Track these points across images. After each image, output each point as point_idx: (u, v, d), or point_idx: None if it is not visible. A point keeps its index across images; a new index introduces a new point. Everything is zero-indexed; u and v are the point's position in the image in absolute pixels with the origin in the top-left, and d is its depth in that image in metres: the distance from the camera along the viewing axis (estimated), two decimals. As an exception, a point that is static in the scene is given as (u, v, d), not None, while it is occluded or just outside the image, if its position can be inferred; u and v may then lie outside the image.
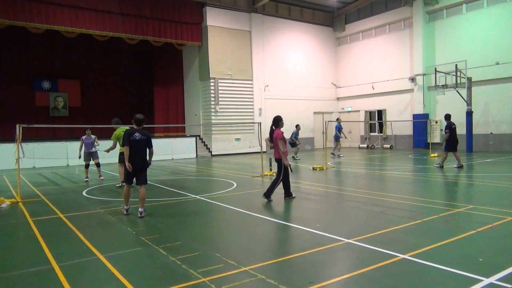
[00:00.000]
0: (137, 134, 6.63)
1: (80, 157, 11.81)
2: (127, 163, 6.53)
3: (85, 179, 11.76)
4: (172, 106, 23.76)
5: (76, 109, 23.88)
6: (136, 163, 6.62)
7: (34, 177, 13.48)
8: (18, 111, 21.32)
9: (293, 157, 17.30)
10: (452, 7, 20.85)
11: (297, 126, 18.03)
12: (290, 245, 5.18)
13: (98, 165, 12.03)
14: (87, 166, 11.91)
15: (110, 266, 4.25)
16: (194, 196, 8.68)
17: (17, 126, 8.75)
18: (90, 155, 11.88)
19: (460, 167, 12.51)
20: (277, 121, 8.04)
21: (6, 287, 3.88)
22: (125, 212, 6.79)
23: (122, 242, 5.33)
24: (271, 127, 8.08)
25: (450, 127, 12.76)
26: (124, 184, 10.22)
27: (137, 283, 3.80)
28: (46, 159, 16.95)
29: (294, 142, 17.66)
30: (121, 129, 9.70)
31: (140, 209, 6.63)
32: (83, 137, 11.85)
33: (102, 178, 12.06)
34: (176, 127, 23.50)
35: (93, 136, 11.92)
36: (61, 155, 17.60)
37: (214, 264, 4.24)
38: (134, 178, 6.84)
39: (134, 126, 6.76)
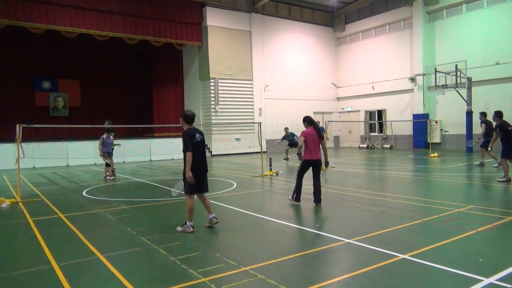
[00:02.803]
0: (198, 135, 5.64)
1: (101, 155, 12.05)
2: (190, 174, 5.49)
3: (110, 177, 11.98)
4: (172, 106, 23.76)
5: (76, 109, 23.91)
6: (203, 168, 5.78)
7: (34, 177, 13.48)
8: (18, 111, 21.35)
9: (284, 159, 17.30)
10: (452, 7, 20.84)
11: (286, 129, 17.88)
12: (290, 245, 5.18)
13: (107, 165, 12.20)
14: (108, 164, 12.11)
15: (110, 266, 4.25)
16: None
17: (17, 126, 8.74)
18: (108, 154, 12.10)
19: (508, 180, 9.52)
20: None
21: (6, 287, 3.88)
22: (191, 229, 5.65)
23: (122, 242, 5.32)
24: (316, 126, 7.58)
25: (507, 128, 9.74)
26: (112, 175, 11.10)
27: (137, 283, 3.80)
28: (46, 159, 16.94)
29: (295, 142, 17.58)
30: None
31: (212, 215, 5.88)
32: (104, 135, 12.09)
33: (112, 178, 12.16)
34: (176, 127, 23.48)
35: (111, 137, 12.26)
36: (61, 155, 17.60)
37: (214, 264, 4.24)
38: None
39: (186, 125, 5.70)
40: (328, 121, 16.56)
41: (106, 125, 12.85)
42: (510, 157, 9.68)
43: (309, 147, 7.34)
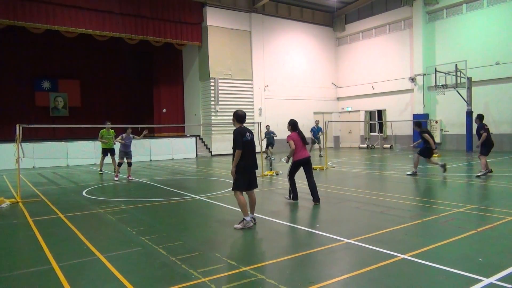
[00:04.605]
0: (248, 134, 5.78)
1: (114, 143, 12.30)
2: (234, 170, 5.67)
3: (115, 178, 11.97)
4: (172, 106, 23.77)
5: (76, 109, 23.90)
6: (253, 166, 5.89)
7: (34, 177, 13.48)
8: (18, 111, 21.34)
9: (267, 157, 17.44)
10: (452, 7, 20.85)
11: (267, 127, 18.20)
12: (290, 245, 5.17)
13: (129, 164, 12.15)
14: (120, 164, 12.10)
15: (110, 266, 4.25)
16: (194, 196, 8.68)
17: (17, 126, 8.75)
18: (126, 154, 12.04)
19: (488, 172, 10.72)
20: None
21: (6, 287, 3.88)
22: (251, 224, 5.75)
23: (122, 242, 5.32)
24: (301, 132, 7.71)
25: (484, 128, 10.81)
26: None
27: (137, 283, 3.80)
28: (46, 159, 16.94)
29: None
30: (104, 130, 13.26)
31: (253, 215, 5.97)
32: (123, 134, 12.08)
33: (131, 178, 12.05)
34: (176, 127, 23.51)
35: (131, 136, 12.17)
36: (61, 155, 17.60)
37: (214, 264, 4.24)
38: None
39: (237, 124, 5.84)
40: (328, 121, 16.56)
41: (108, 125, 13.20)
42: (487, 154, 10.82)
43: (296, 149, 7.48)
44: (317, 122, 19.32)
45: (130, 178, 12.03)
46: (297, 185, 7.72)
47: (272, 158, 16.95)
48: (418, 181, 10.70)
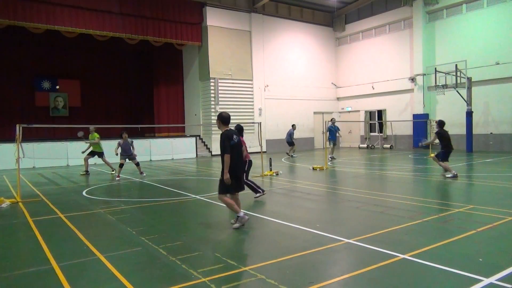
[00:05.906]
0: (235, 137, 5.72)
1: (117, 154, 12.33)
2: (227, 176, 5.59)
3: (117, 178, 12.03)
4: (172, 106, 23.77)
5: (76, 109, 23.91)
6: (240, 168, 5.94)
7: (34, 177, 13.48)
8: (18, 111, 21.34)
9: (288, 154, 19.19)
10: (452, 7, 20.85)
11: (293, 126, 19.15)
12: (290, 245, 5.17)
13: (137, 164, 12.69)
14: (121, 165, 12.28)
15: (110, 266, 4.25)
16: (194, 196, 8.68)
17: (17, 126, 8.75)
18: (127, 157, 12.33)
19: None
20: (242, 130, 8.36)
21: (6, 287, 3.88)
22: (247, 217, 5.80)
23: (122, 242, 5.32)
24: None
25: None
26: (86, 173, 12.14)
27: (137, 283, 3.80)
28: (46, 159, 16.94)
29: (291, 141, 18.92)
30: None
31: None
32: (120, 141, 12.23)
33: (144, 174, 12.68)
34: (176, 127, 23.51)
35: (129, 140, 12.37)
36: (61, 155, 17.59)
37: (214, 264, 4.24)
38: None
39: (223, 127, 5.79)
40: (328, 121, 16.56)
41: (92, 128, 13.62)
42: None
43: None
44: (333, 121, 17.42)
45: (143, 174, 12.64)
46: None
47: (294, 156, 18.83)
48: (418, 181, 10.70)
